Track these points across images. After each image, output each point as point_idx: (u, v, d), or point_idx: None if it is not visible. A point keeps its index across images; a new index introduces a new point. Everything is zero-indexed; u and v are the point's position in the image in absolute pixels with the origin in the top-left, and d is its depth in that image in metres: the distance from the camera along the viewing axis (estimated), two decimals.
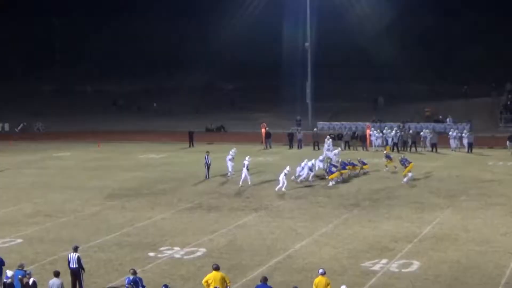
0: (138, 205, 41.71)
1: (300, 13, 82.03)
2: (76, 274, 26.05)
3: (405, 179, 47.01)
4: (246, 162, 47.08)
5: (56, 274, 24.16)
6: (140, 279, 23.89)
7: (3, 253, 28.29)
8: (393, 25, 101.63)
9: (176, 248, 31.93)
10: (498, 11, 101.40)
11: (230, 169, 50.07)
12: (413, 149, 62.61)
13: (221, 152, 55.42)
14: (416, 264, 28.89)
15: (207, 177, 49.67)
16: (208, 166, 49.81)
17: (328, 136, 60.03)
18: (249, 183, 46.62)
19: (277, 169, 49.43)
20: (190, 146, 67.08)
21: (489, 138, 69.09)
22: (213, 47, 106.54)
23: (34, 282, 23.93)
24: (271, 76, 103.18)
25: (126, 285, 23.00)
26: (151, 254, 31.17)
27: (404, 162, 47.53)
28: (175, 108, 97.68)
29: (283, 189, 44.28)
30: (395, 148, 61.98)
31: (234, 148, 52.70)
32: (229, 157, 50.50)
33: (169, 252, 31.46)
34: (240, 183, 46.57)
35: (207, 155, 50.19)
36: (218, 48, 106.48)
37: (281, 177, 44.46)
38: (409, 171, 47.08)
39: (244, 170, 46.69)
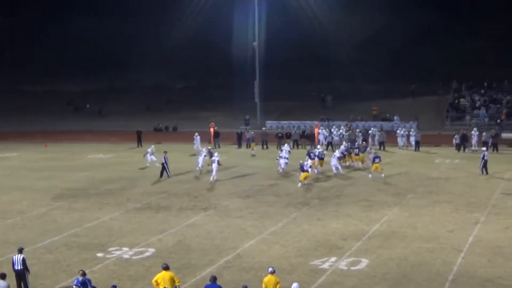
0: (86, 205, 41.37)
1: (250, 12, 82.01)
2: (21, 276, 25.76)
3: (370, 176, 48.33)
4: (216, 158, 47.68)
5: (2, 277, 23.83)
6: (89, 280, 23.67)
7: None
8: (342, 24, 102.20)
9: (125, 249, 31.74)
10: (446, 11, 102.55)
11: (200, 165, 50.78)
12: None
13: (170, 151, 55.18)
14: (364, 262, 29.09)
15: (168, 175, 49.76)
16: (166, 166, 49.75)
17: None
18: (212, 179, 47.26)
19: (226, 168, 49.51)
20: (138, 146, 66.69)
21: (435, 136, 69.89)
22: (164, 46, 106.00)
23: None
24: (221, 75, 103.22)
25: (74, 286, 22.76)
26: (100, 254, 30.94)
27: (375, 159, 48.13)
28: (126, 108, 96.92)
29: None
30: (330, 147, 62.13)
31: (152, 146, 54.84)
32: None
33: (118, 252, 31.25)
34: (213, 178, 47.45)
35: (165, 155, 50.06)
36: (169, 48, 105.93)
37: None
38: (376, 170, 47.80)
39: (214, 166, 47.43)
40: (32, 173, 53.45)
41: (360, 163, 52.70)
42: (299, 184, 46.00)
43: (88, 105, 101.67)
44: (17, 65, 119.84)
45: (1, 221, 37.71)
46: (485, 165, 49.10)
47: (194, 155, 56.87)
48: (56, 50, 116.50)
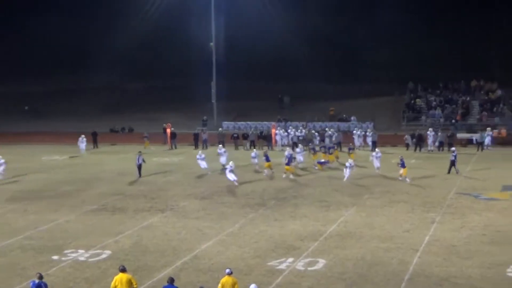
0: (41, 207, 40.92)
1: (206, 12, 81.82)
2: None
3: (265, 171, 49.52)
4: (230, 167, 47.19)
5: None
6: (45, 284, 23.41)
7: None
8: (300, 25, 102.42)
9: (81, 251, 31.43)
10: (404, 11, 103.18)
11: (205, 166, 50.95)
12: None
13: (125, 152, 54.99)
14: (321, 262, 29.14)
15: (139, 175, 49.53)
16: (140, 166, 49.59)
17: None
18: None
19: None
20: (94, 147, 66.24)
21: (392, 136, 70.38)
22: (119, 45, 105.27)
23: None
24: (178, 76, 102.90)
25: None
26: (55, 257, 30.59)
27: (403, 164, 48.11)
28: (81, 108, 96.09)
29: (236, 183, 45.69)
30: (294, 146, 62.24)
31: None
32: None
33: (74, 255, 30.94)
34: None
35: (139, 155, 49.90)
36: (124, 47, 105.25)
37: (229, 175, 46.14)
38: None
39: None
40: None
41: (334, 161, 53.31)
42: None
43: (26, 107, 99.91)
44: None
45: None
46: (454, 164, 49.51)
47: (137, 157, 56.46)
48: (8, 51, 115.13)
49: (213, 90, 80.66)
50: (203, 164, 50.87)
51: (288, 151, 52.29)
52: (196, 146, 65.99)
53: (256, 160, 52.11)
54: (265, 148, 63.30)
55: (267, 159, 49.92)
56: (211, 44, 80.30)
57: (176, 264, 29.40)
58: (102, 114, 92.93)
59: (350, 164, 47.73)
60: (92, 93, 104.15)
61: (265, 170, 49.76)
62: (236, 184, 45.71)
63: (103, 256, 30.76)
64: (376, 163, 50.21)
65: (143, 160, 50.00)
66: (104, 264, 29.38)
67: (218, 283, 23.46)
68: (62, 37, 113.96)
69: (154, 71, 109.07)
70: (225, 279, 23.11)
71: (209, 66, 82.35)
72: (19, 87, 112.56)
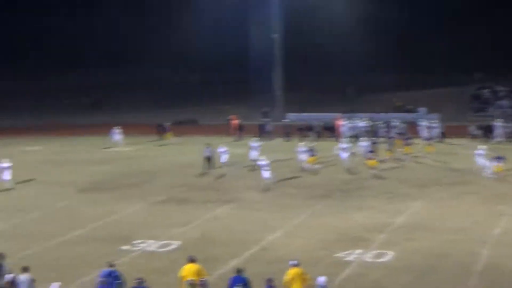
0: (109, 198, 41.50)
1: (268, 3, 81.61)
2: None
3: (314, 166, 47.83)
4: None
5: (25, 270, 23.91)
6: (117, 272, 23.75)
7: None
8: (365, 15, 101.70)
9: (150, 241, 31.82)
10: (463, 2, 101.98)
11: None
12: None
13: (191, 144, 55.33)
14: (390, 254, 29.02)
15: (209, 169, 48.64)
16: (209, 158, 49.06)
17: None
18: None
19: (248, 161, 49.54)
20: (159, 139, 66.66)
21: (459, 127, 69.45)
22: (180, 39, 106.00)
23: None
24: (240, 68, 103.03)
25: (100, 279, 22.82)
26: (125, 247, 31.03)
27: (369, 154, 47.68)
28: (143, 101, 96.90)
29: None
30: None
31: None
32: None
33: (143, 245, 31.36)
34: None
35: (208, 147, 49.65)
36: (185, 40, 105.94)
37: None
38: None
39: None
40: (55, 166, 53.61)
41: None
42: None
43: (87, 99, 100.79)
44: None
45: (26, 215, 37.88)
46: None
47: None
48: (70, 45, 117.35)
49: (277, 81, 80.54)
50: (253, 154, 50.22)
51: (361, 142, 51.13)
52: (262, 138, 65.93)
53: (303, 156, 51.06)
54: (331, 139, 62.87)
55: (312, 154, 49.31)
56: (274, 35, 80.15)
57: (243, 255, 29.58)
58: (165, 106, 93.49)
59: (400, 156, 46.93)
60: (154, 85, 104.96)
61: (309, 165, 48.74)
62: (271, 181, 43.92)
63: (172, 246, 31.09)
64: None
65: (212, 152, 49.64)
66: (173, 255, 29.70)
67: (285, 274, 23.51)
68: (124, 29, 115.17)
69: (214, 63, 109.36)
70: (293, 271, 23.15)
71: (270, 57, 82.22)
72: (82, 79, 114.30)
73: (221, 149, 49.87)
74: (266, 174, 43.28)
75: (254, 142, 51.95)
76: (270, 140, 64.22)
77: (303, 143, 51.43)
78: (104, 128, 67.07)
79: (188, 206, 39.07)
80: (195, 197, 41.07)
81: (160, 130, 67.35)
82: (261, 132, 66.45)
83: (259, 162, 45.13)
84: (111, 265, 23.90)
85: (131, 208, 38.77)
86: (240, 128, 66.59)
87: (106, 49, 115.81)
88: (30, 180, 47.93)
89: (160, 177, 47.70)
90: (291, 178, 46.11)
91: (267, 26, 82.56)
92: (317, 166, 48.35)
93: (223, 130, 67.39)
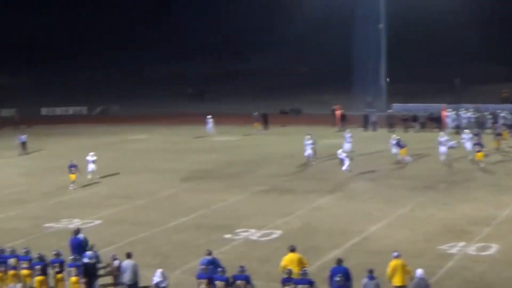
0: (213, 187, 42.05)
1: None
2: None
3: (406, 158, 46.92)
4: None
5: (129, 256, 24.48)
6: (217, 260, 24.08)
7: (84, 234, 28.64)
8: (474, 5, 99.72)
9: (252, 230, 32.11)
10: None
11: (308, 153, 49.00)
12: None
13: (294, 134, 55.43)
14: (494, 247, 28.47)
15: (310, 159, 48.43)
16: (309, 149, 48.63)
17: None
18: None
19: (350, 152, 49.29)
20: (264, 129, 67.04)
21: None
22: (287, 29, 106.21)
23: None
24: (345, 58, 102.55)
25: (201, 266, 23.15)
26: (227, 236, 31.41)
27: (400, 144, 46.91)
28: (248, 91, 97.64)
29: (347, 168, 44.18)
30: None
31: None
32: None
33: (245, 234, 31.66)
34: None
35: (309, 137, 49.48)
36: (291, 31, 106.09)
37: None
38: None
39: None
40: (160, 155, 54.65)
41: None
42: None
43: (190, 90, 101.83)
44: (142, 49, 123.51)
45: (132, 202, 38.79)
46: None
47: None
48: (179, 34, 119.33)
49: (382, 72, 79.91)
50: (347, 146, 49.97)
51: (465, 134, 50.03)
52: (366, 128, 65.59)
53: (394, 149, 49.89)
54: (435, 130, 62.01)
55: (401, 146, 48.47)
56: (380, 26, 79.49)
57: (345, 245, 29.53)
58: (270, 96, 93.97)
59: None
60: (260, 75, 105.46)
61: (406, 157, 47.84)
62: (348, 170, 44.16)
63: (274, 236, 31.29)
64: None
65: (315, 143, 49.53)
66: (275, 244, 29.88)
67: (387, 266, 23.38)
68: (231, 21, 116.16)
69: (320, 53, 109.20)
70: (395, 262, 23.00)
71: (377, 48, 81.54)
72: (187, 69, 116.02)
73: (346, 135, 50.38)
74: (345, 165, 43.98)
75: (347, 133, 51.70)
76: (374, 131, 63.90)
77: (394, 135, 50.71)
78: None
79: (290, 196, 39.21)
80: (298, 187, 41.16)
81: (263, 120, 67.67)
82: (366, 123, 66.09)
83: (340, 155, 45.19)
84: (209, 253, 24.23)
85: (234, 197, 39.17)
86: (343, 119, 66.44)
87: (216, 39, 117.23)
88: (136, 168, 49.01)
89: (263, 166, 47.99)
90: (394, 169, 45.73)
91: (373, 17, 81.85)
92: (408, 158, 47.70)
93: (326, 120, 67.25)
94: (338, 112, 67.58)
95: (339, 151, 46.00)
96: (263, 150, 55.14)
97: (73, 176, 42.52)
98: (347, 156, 45.17)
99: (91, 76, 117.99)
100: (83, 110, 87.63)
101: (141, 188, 42.26)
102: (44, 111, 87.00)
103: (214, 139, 61.89)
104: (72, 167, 42.77)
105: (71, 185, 42.51)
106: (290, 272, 22.43)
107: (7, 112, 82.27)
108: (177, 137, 64.21)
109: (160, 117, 79.92)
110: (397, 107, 76.48)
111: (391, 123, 64.20)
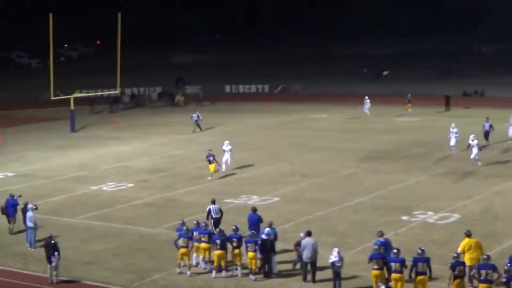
0: (393, 168, 41.93)
1: None
2: (218, 223, 28.20)
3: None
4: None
5: (309, 234, 24.87)
6: (390, 241, 24.15)
7: (262, 211, 29.36)
8: None
9: (430, 213, 31.91)
10: None
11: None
12: None
13: (478, 117, 54.24)
14: None
15: (486, 141, 47.36)
16: (486, 133, 47.79)
17: None
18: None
19: None
20: (446, 111, 65.91)
21: None
22: (472, 8, 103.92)
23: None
24: None
25: (375, 246, 23.26)
26: (404, 217, 31.37)
27: None
28: (425, 72, 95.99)
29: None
30: None
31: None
32: None
33: (422, 216, 31.51)
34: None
35: (486, 121, 48.31)
36: (477, 9, 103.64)
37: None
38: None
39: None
40: (340, 134, 54.87)
41: None
42: None
43: (365, 70, 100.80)
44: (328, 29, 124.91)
45: (311, 180, 39.36)
46: None
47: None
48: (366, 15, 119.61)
49: None
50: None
51: None
52: None
53: None
54: None
55: None
56: None
57: None
58: (452, 77, 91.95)
59: None
60: (438, 56, 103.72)
61: None
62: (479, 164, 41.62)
63: (452, 219, 30.99)
64: None
65: (491, 127, 48.31)
66: (452, 228, 29.58)
67: None
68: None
69: (509, 33, 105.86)
70: None
71: None
72: (369, 50, 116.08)
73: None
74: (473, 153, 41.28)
75: None
76: None
77: None
78: (391, 98, 67.46)
79: (471, 179, 38.56)
80: (479, 170, 40.33)
81: (445, 102, 66.51)
82: None
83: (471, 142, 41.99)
84: (381, 235, 24.27)
85: (414, 178, 38.93)
86: None
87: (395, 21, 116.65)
88: (316, 147, 49.50)
89: (445, 148, 47.04)
90: None
91: None
92: None
93: (510, 103, 65.36)
94: None
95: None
96: (444, 132, 54.14)
97: (212, 167, 39.84)
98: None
99: (283, 54, 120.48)
100: (265, 88, 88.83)
101: (320, 167, 42.74)
102: (227, 88, 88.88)
103: (397, 119, 61.37)
104: (210, 157, 39.90)
105: (209, 177, 40.16)
106: (458, 256, 22.26)
107: (192, 89, 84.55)
108: (359, 116, 63.67)
109: (342, 96, 79.70)
110: None
111: None
